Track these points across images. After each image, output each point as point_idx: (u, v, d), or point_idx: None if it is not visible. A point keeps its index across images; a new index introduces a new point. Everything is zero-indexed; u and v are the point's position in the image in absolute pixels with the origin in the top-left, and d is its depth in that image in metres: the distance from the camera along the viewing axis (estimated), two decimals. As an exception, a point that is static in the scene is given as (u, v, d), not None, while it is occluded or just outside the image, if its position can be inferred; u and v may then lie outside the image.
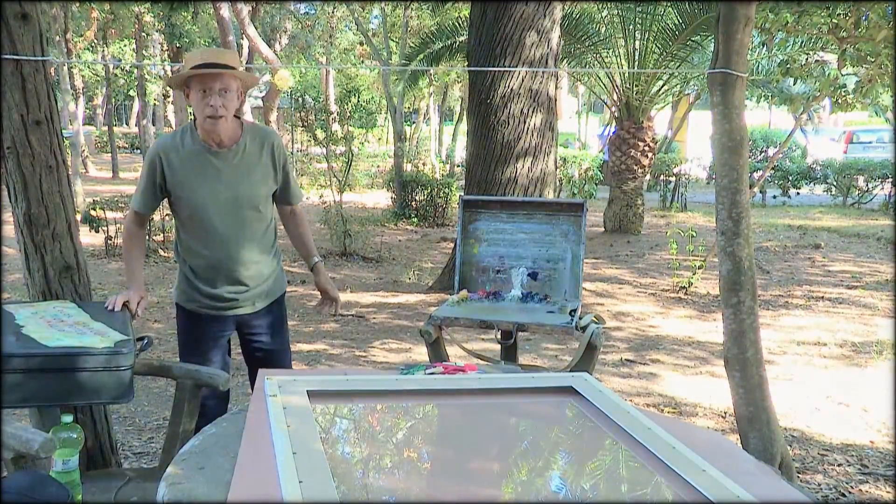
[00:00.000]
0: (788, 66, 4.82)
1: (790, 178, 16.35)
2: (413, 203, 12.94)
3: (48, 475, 1.76)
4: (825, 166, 16.26)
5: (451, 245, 9.37)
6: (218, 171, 2.51)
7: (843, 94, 5.27)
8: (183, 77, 2.44)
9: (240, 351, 2.82)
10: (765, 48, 10.65)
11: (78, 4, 16.68)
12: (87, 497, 2.07)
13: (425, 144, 23.71)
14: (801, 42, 9.21)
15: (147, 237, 8.63)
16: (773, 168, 15.52)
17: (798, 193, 16.36)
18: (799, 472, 3.44)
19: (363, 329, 6.05)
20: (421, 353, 5.20)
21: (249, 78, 2.60)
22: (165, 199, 2.62)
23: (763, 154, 17.77)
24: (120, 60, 24.12)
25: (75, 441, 1.98)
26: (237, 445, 1.62)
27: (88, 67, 24.48)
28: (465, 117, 10.96)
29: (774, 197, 16.14)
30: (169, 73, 19.53)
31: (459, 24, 12.33)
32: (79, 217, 2.56)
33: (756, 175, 13.93)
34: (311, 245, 2.82)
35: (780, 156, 15.20)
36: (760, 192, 15.82)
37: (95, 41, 20.48)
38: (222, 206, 2.52)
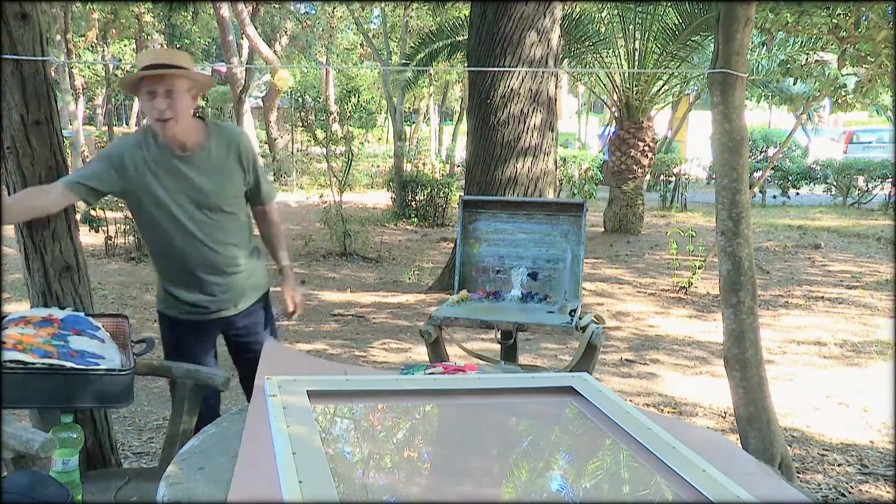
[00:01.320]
0: (788, 66, 4.82)
1: (790, 178, 16.36)
2: (413, 203, 12.94)
3: (48, 475, 1.76)
4: (825, 166, 16.27)
5: (451, 245, 9.38)
6: (183, 174, 2.44)
7: (843, 94, 5.27)
8: (131, 81, 2.38)
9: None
10: (765, 48, 10.66)
11: (78, 4, 16.67)
12: (87, 497, 2.07)
13: (425, 144, 23.71)
14: (801, 42, 9.21)
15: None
16: (772, 168, 15.52)
17: (798, 193, 16.36)
18: (799, 472, 3.44)
19: (363, 329, 6.05)
20: (421, 353, 5.20)
21: (201, 77, 2.50)
22: (129, 210, 2.57)
23: (763, 154, 17.77)
24: (120, 60, 24.12)
25: (75, 441, 1.98)
26: (237, 445, 1.62)
27: (88, 67, 24.49)
28: (465, 117, 10.96)
29: (774, 197, 16.15)
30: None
31: (459, 24, 12.33)
32: (78, 217, 2.54)
33: (756, 175, 13.93)
34: (280, 246, 2.74)
35: (781, 156, 15.20)
36: (760, 192, 15.83)
37: (96, 41, 20.48)
38: (190, 210, 2.46)
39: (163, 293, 2.63)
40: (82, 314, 2.33)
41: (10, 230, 2.65)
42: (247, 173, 2.56)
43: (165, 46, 20.72)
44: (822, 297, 7.41)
